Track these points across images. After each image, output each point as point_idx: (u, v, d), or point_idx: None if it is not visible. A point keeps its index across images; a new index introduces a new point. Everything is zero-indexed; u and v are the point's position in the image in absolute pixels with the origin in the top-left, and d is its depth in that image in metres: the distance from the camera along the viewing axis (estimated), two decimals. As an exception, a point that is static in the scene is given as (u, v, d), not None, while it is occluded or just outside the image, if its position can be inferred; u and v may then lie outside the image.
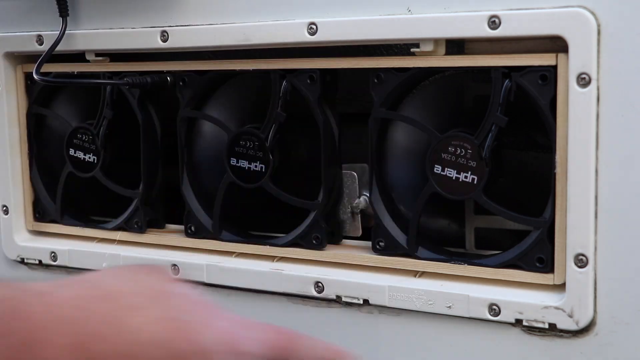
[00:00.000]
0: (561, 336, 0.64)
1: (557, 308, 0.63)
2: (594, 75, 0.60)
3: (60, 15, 0.80)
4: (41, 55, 0.87)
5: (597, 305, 0.62)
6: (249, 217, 0.83)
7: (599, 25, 0.59)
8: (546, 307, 0.64)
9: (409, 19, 0.66)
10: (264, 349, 0.46)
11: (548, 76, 0.62)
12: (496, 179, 0.69)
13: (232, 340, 0.44)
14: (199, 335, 0.42)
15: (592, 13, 0.59)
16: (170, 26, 0.77)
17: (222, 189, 0.79)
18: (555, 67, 0.62)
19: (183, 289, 0.45)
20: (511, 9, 0.62)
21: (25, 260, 0.91)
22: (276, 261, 0.77)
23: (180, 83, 0.80)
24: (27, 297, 0.41)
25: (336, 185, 0.76)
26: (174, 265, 0.80)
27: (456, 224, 0.77)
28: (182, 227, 0.83)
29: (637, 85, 0.59)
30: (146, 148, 0.83)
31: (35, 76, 0.78)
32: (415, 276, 0.71)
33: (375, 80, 0.70)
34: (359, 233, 0.78)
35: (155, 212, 0.86)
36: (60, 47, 0.80)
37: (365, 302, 0.71)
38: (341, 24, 0.69)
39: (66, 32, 0.80)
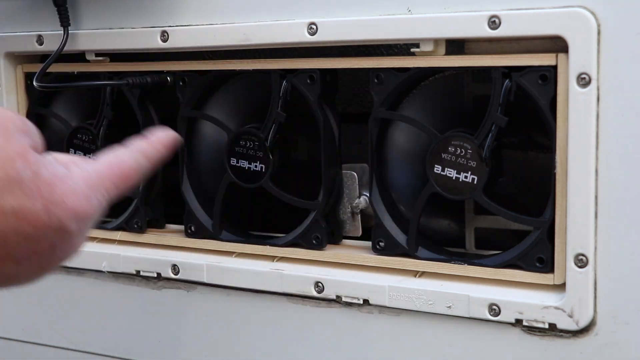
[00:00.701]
0: (561, 336, 0.64)
1: (557, 308, 0.63)
2: (594, 75, 0.60)
3: (62, 25, 0.79)
4: (41, 55, 0.87)
5: (597, 305, 0.62)
6: (249, 217, 0.83)
7: (599, 25, 0.59)
8: (546, 307, 0.64)
9: (409, 19, 0.66)
10: (110, 196, 0.49)
11: (548, 76, 0.62)
12: (496, 179, 0.69)
13: (83, 210, 0.46)
14: (49, 216, 0.44)
15: (592, 13, 0.59)
16: (170, 26, 0.77)
17: (222, 189, 0.79)
18: (555, 67, 0.62)
19: (29, 163, 0.44)
20: (511, 9, 0.62)
21: (25, 260, 0.91)
22: (276, 261, 0.77)
23: (180, 83, 0.80)
24: None
25: (336, 185, 0.76)
26: (174, 265, 0.80)
27: (456, 224, 0.77)
28: (182, 227, 0.83)
29: (637, 85, 0.59)
30: (146, 148, 0.83)
31: (35, 84, 0.78)
32: (415, 276, 0.71)
33: (375, 80, 0.70)
34: (359, 233, 0.78)
35: (155, 212, 0.86)
36: (60, 47, 0.80)
37: (365, 302, 0.71)
38: (341, 24, 0.69)
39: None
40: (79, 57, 0.84)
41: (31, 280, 0.47)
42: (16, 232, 0.43)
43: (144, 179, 0.57)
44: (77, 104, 0.90)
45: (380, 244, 0.72)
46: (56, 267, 0.47)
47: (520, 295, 0.65)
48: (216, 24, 0.75)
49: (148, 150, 0.55)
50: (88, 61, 0.84)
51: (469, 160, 0.67)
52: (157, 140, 0.56)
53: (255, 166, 0.77)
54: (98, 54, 0.83)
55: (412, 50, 0.68)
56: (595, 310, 0.62)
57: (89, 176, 0.48)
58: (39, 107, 0.90)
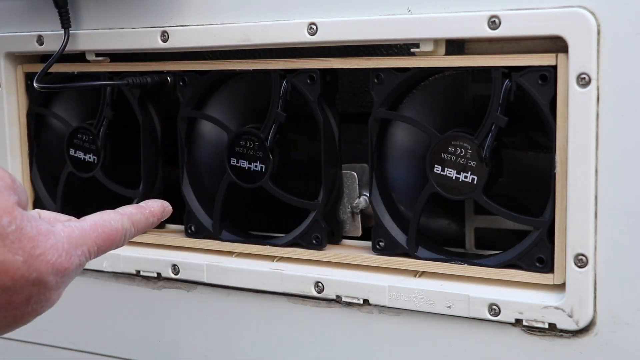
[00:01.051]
0: (561, 336, 0.64)
1: (557, 308, 0.63)
2: (594, 75, 0.60)
3: (63, 27, 0.79)
4: (41, 55, 0.87)
5: (597, 305, 0.62)
6: (249, 217, 0.83)
7: (599, 25, 0.59)
8: (546, 307, 0.64)
9: (409, 19, 0.66)
10: (92, 257, 0.51)
11: (548, 76, 0.62)
12: (496, 179, 0.69)
13: (62, 265, 0.48)
14: (29, 270, 0.46)
15: (592, 13, 0.59)
16: (171, 26, 0.77)
17: (222, 189, 0.79)
18: (555, 67, 0.62)
19: (14, 218, 0.46)
20: (511, 9, 0.62)
21: (25, 260, 0.91)
22: (276, 261, 0.77)
23: (180, 83, 0.80)
24: None
25: (336, 185, 0.76)
26: (174, 265, 0.80)
27: (456, 224, 0.77)
28: (182, 227, 0.83)
29: (637, 85, 0.59)
30: (146, 148, 0.83)
31: (35, 85, 0.78)
32: (415, 276, 0.71)
33: (375, 80, 0.70)
34: (359, 233, 0.78)
35: (155, 212, 0.86)
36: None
37: (365, 302, 0.71)
38: (341, 24, 0.69)
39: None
40: (79, 57, 0.84)
41: (2, 332, 0.48)
42: None
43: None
44: (77, 104, 0.90)
45: (380, 244, 0.72)
46: (29, 320, 0.49)
47: (520, 295, 0.65)
48: (216, 24, 0.75)
49: (136, 216, 0.57)
50: (88, 61, 0.84)
51: (469, 160, 0.67)
52: (147, 208, 0.59)
53: (255, 166, 0.77)
54: (98, 54, 0.83)
55: (412, 50, 0.68)
56: (595, 310, 0.62)
57: (72, 233, 0.50)
58: (39, 107, 0.90)
